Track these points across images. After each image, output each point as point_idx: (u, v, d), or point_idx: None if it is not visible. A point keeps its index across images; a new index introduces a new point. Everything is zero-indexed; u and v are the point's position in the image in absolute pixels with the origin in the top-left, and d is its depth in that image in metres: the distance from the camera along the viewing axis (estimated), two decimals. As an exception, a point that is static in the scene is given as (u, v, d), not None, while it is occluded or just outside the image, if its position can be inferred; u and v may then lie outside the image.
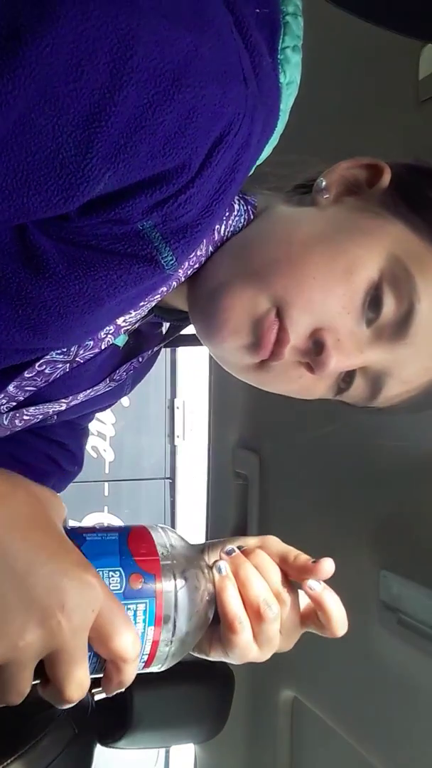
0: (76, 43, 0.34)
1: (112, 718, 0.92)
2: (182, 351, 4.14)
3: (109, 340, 0.57)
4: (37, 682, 0.40)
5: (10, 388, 0.56)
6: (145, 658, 0.44)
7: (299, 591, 0.49)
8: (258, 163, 0.50)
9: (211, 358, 1.13)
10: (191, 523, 4.01)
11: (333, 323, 0.51)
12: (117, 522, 3.67)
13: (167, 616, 0.44)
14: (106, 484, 4.12)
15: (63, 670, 0.38)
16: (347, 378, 0.55)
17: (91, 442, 3.93)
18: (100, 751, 0.93)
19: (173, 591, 0.44)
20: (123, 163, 0.38)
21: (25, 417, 0.62)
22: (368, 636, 0.78)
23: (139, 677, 0.44)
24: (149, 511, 4.26)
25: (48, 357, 0.53)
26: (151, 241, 0.44)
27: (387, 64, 0.80)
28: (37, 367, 0.54)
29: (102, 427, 4.02)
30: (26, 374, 0.54)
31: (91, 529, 0.44)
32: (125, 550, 0.43)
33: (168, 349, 3.93)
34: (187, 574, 0.45)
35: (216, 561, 0.49)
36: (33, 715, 0.82)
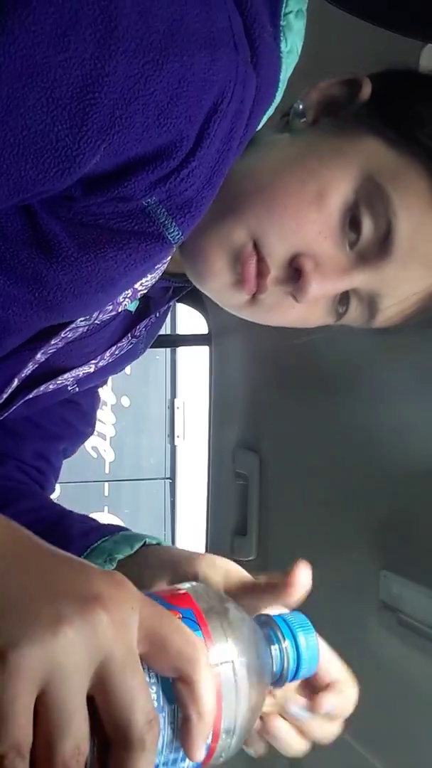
0: (58, 13, 0.34)
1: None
2: (182, 351, 4.14)
3: (126, 304, 0.58)
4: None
5: (38, 355, 0.57)
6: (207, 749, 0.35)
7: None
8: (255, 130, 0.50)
9: (211, 358, 1.13)
10: (191, 523, 4.01)
11: (310, 248, 0.51)
12: (117, 522, 3.67)
13: (228, 693, 0.35)
14: (106, 484, 4.12)
15: (119, 690, 0.30)
16: (343, 302, 0.55)
17: (91, 442, 3.93)
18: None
19: (231, 663, 0.36)
20: (118, 135, 0.38)
21: (58, 382, 0.64)
22: (368, 636, 0.78)
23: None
24: (149, 511, 4.26)
25: (73, 325, 0.55)
26: (157, 217, 0.44)
27: (387, 64, 0.80)
28: (62, 335, 0.55)
29: (102, 427, 4.02)
30: (52, 341, 0.56)
31: None
32: (161, 601, 0.36)
33: (168, 349, 3.93)
34: (242, 639, 0.37)
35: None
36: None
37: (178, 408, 4.26)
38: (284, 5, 0.48)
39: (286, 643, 0.40)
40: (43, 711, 0.29)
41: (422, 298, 0.55)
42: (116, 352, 0.67)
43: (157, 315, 0.69)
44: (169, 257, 0.54)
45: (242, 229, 0.51)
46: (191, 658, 0.33)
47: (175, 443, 4.26)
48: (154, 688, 0.32)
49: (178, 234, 0.45)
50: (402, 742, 0.75)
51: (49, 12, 0.34)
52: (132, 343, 0.68)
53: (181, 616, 0.35)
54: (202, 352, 1.17)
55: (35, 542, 0.34)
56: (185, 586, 0.39)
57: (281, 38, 0.48)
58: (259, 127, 0.51)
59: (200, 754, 0.33)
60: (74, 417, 0.77)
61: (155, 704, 0.32)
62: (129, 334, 0.66)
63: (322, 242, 0.51)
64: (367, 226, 0.50)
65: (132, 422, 4.17)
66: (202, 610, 0.36)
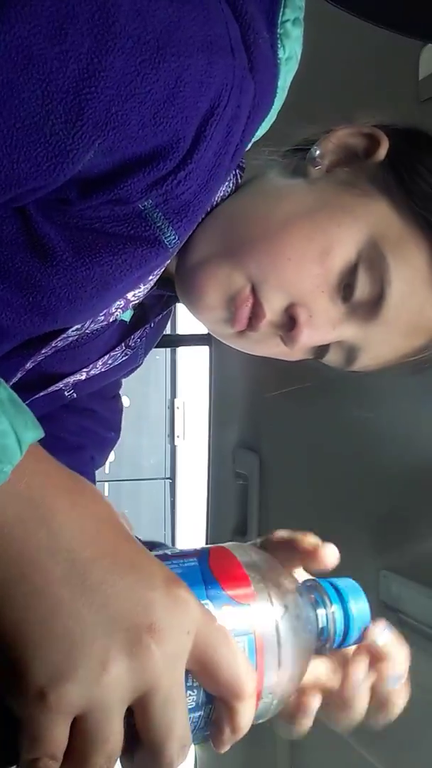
0: (55, 6, 0.34)
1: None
2: (182, 351, 4.14)
3: (118, 314, 0.58)
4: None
5: (28, 364, 0.57)
6: None
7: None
8: (255, 139, 0.50)
9: (211, 358, 1.13)
10: (191, 523, 4.01)
11: (306, 300, 0.52)
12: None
13: (270, 654, 0.35)
14: (106, 484, 4.11)
15: (159, 720, 0.30)
16: (322, 347, 0.57)
17: (91, 442, 3.91)
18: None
19: (274, 623, 0.36)
20: (113, 131, 0.38)
21: (49, 390, 0.64)
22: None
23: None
24: (149, 511, 4.25)
25: (63, 334, 0.55)
26: (154, 221, 0.44)
27: (387, 64, 0.80)
28: (52, 344, 0.55)
29: (102, 427, 4.01)
30: (43, 351, 0.55)
31: (163, 557, 0.36)
32: (210, 577, 0.35)
33: (168, 349, 3.93)
34: (286, 600, 0.37)
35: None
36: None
37: (178, 408, 4.25)
38: (281, 14, 0.48)
39: (333, 608, 0.40)
40: (80, 728, 0.29)
41: (398, 358, 0.57)
42: (109, 362, 0.67)
43: (153, 324, 0.68)
44: (163, 267, 0.54)
45: (242, 273, 0.52)
46: (238, 692, 0.32)
47: (175, 443, 4.26)
48: (196, 691, 0.33)
49: (175, 238, 0.45)
50: (402, 742, 0.75)
51: (46, 5, 0.34)
52: (126, 354, 0.68)
53: (232, 614, 0.35)
54: (202, 352, 1.17)
55: (103, 539, 0.32)
56: (229, 544, 0.39)
57: (279, 45, 0.48)
58: (261, 133, 0.51)
59: (227, 749, 0.34)
60: (93, 423, 0.77)
61: (193, 704, 0.33)
62: (123, 344, 0.66)
63: (318, 296, 0.52)
64: (362, 287, 0.52)
65: (132, 422, 4.17)
66: (257, 595, 0.36)
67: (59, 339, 0.55)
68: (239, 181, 0.56)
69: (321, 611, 0.40)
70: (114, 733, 0.29)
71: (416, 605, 0.71)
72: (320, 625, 0.40)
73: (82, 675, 0.28)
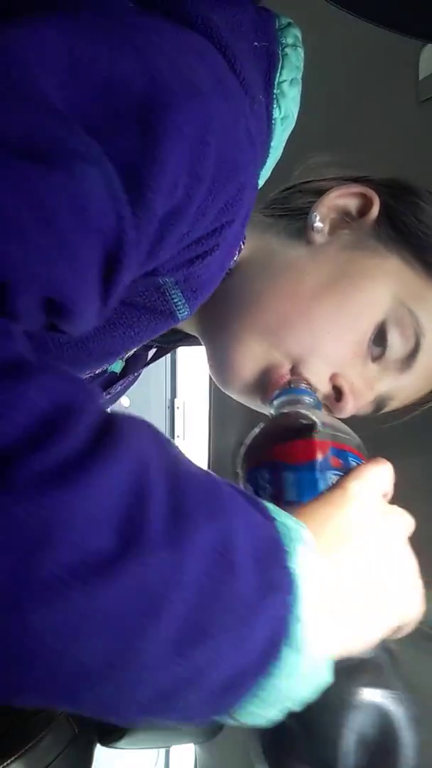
0: (103, 174, 0.33)
1: (112, 718, 0.92)
2: (182, 351, 4.14)
3: (106, 367, 0.58)
4: None
5: None
6: None
7: None
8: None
9: (211, 358, 1.13)
10: (191, 523, 4.01)
11: (345, 368, 0.54)
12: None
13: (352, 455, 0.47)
14: (106, 484, 4.11)
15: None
16: None
17: (91, 442, 3.90)
18: (100, 751, 0.93)
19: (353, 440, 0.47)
20: (154, 260, 0.39)
21: None
22: (368, 636, 0.77)
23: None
24: (149, 511, 4.26)
25: None
26: (171, 297, 0.44)
27: (387, 64, 0.80)
28: None
29: (102, 427, 4.01)
30: None
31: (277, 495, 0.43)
32: (326, 464, 0.44)
33: (168, 349, 3.94)
34: (330, 423, 0.47)
35: None
36: (33, 714, 0.82)
37: (178, 408, 4.25)
38: (278, 75, 0.48)
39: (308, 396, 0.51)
40: None
41: (419, 399, 0.60)
42: None
43: (135, 375, 0.69)
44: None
45: (281, 351, 0.53)
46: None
47: (175, 443, 4.27)
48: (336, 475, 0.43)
49: (187, 313, 0.46)
50: (402, 742, 0.75)
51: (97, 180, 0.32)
52: (104, 400, 0.68)
53: (341, 464, 0.44)
54: (202, 352, 1.17)
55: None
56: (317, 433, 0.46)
57: (274, 106, 0.48)
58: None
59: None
60: None
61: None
62: (105, 392, 0.66)
63: (353, 361, 0.54)
64: (395, 344, 0.53)
65: (132, 422, 4.17)
66: (327, 438, 0.45)
67: None
68: (241, 247, 0.56)
69: (306, 398, 0.51)
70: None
71: (416, 605, 0.71)
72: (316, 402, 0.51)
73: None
